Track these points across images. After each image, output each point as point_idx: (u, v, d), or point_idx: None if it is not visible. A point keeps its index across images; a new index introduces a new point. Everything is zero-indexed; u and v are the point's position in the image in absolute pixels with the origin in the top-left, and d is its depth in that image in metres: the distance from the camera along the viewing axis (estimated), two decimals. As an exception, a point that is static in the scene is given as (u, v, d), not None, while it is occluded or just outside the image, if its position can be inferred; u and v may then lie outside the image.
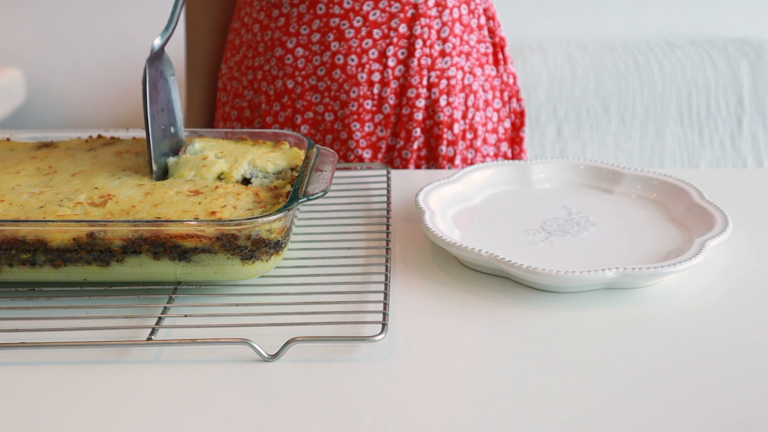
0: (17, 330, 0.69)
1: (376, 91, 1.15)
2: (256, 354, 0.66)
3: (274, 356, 0.66)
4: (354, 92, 1.15)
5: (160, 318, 0.70)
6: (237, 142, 0.90)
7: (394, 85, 1.15)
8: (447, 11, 1.16)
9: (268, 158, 0.85)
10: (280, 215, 0.72)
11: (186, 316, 0.71)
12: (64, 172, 0.83)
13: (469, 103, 1.20)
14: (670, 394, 0.61)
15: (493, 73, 1.23)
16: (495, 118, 1.24)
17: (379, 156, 1.17)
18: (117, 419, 0.60)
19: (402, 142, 1.17)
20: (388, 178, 0.97)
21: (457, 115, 1.18)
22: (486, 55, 1.22)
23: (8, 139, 0.93)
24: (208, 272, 0.73)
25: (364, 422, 0.59)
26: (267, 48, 1.18)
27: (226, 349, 0.67)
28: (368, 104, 1.15)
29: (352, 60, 1.13)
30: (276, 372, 0.65)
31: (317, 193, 0.76)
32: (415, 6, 1.14)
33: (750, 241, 0.84)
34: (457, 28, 1.17)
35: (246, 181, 0.83)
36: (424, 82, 1.16)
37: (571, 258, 0.80)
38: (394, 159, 1.19)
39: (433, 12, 1.15)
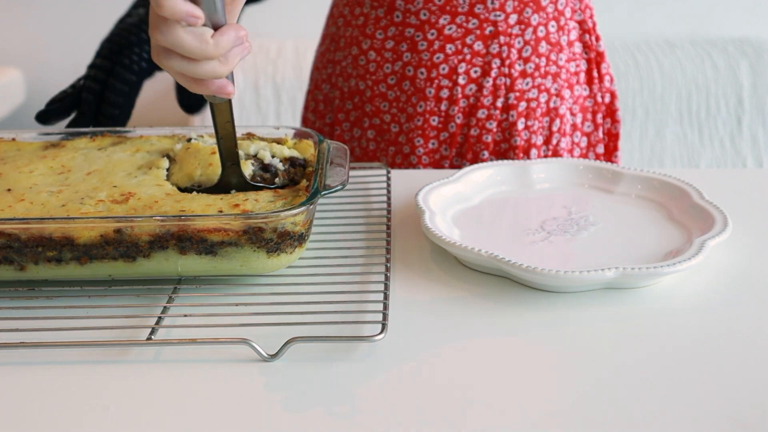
0: (17, 330, 0.69)
1: (443, 108, 1.09)
2: (256, 354, 0.66)
3: (274, 356, 0.66)
4: (421, 107, 1.10)
5: (159, 318, 0.70)
6: (244, 139, 0.90)
7: (462, 103, 1.09)
8: (530, 30, 1.08)
9: (279, 146, 0.86)
10: (303, 208, 0.73)
11: (186, 315, 0.71)
12: (78, 171, 0.84)
13: (554, 128, 1.11)
14: (670, 394, 0.62)
15: (585, 93, 1.13)
16: (584, 143, 1.14)
17: None
18: (117, 419, 0.60)
19: (468, 164, 1.11)
20: (388, 178, 0.97)
21: (536, 140, 1.10)
22: (576, 74, 1.12)
23: (14, 139, 0.93)
24: (233, 266, 0.74)
25: (364, 422, 0.59)
26: (347, 44, 1.15)
27: (226, 349, 0.67)
28: (434, 120, 1.10)
29: (422, 73, 1.09)
30: (276, 372, 0.65)
31: (337, 185, 0.77)
32: (495, 23, 1.07)
33: (750, 240, 0.84)
34: (543, 48, 1.09)
35: (262, 165, 0.84)
36: (498, 104, 1.09)
37: (571, 258, 0.80)
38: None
39: (515, 30, 1.07)
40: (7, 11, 2.63)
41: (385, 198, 0.94)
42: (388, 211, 0.89)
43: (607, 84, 1.14)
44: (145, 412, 0.61)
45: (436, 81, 1.08)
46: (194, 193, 0.80)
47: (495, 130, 1.10)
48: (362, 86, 1.13)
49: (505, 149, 1.11)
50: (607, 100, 1.14)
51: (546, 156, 1.11)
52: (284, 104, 2.43)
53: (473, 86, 1.09)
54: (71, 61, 2.57)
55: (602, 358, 0.66)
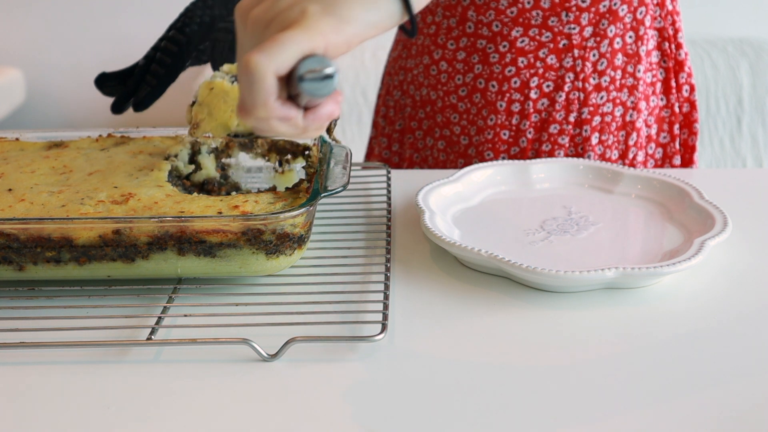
0: (17, 330, 0.69)
1: (514, 122, 1.07)
2: (256, 354, 0.66)
3: (274, 356, 0.66)
4: (491, 120, 1.07)
5: (159, 318, 0.70)
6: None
7: (534, 118, 1.06)
8: (606, 42, 1.04)
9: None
10: (303, 210, 0.73)
11: (186, 315, 0.71)
12: (80, 171, 0.84)
13: (630, 142, 1.08)
14: (670, 394, 0.62)
15: (662, 103, 1.10)
16: (659, 155, 1.11)
17: None
18: (117, 419, 0.60)
19: None
20: (388, 178, 0.97)
21: (611, 154, 1.08)
22: (652, 84, 1.09)
23: (17, 139, 0.93)
24: (232, 267, 0.74)
25: (365, 422, 0.59)
26: (418, 52, 1.13)
27: (226, 349, 0.67)
28: (504, 135, 1.07)
29: (493, 86, 1.06)
30: (276, 372, 0.65)
31: (337, 187, 0.77)
32: (569, 36, 1.04)
33: (749, 240, 0.84)
34: (619, 60, 1.06)
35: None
36: (571, 119, 1.06)
37: (571, 258, 0.80)
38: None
39: (590, 43, 1.04)
40: (7, 11, 2.63)
41: (385, 198, 0.94)
42: (388, 211, 0.89)
43: (685, 93, 1.10)
44: (145, 412, 0.61)
45: (508, 94, 1.06)
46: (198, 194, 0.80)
47: (567, 145, 1.07)
48: (433, 96, 1.12)
49: None
50: (685, 110, 1.11)
51: None
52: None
53: (545, 101, 1.06)
54: (71, 61, 2.57)
55: (602, 358, 0.66)
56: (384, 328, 0.67)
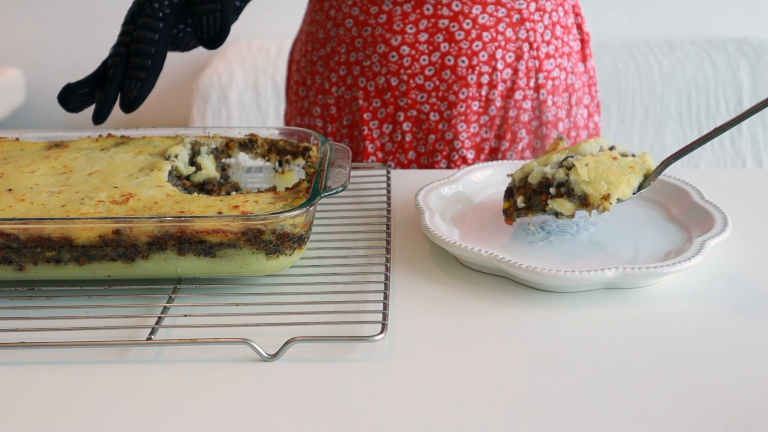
0: (17, 330, 0.69)
1: (483, 93, 1.14)
2: (256, 354, 0.66)
3: (274, 356, 0.66)
4: (463, 93, 1.14)
5: (159, 318, 0.70)
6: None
7: (501, 87, 1.15)
8: (547, 15, 1.17)
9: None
10: (303, 210, 0.73)
11: (186, 315, 0.71)
12: (80, 171, 0.84)
13: (573, 102, 1.21)
14: (670, 394, 0.62)
15: (582, 69, 1.23)
16: (585, 114, 1.25)
17: (482, 157, 1.17)
18: (117, 419, 0.60)
19: (507, 144, 1.17)
20: (388, 178, 0.97)
21: (561, 114, 1.20)
22: (578, 52, 1.23)
23: (17, 139, 0.93)
24: (232, 267, 0.74)
25: (364, 422, 0.59)
26: (367, 44, 1.16)
27: (226, 349, 0.68)
28: (475, 105, 1.15)
29: (463, 62, 1.14)
30: (276, 372, 0.65)
31: (337, 187, 0.77)
32: (519, 11, 1.15)
33: (749, 240, 0.84)
34: (558, 30, 1.18)
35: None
36: (532, 84, 1.17)
37: (571, 258, 0.80)
38: (497, 160, 1.18)
39: (536, 16, 1.16)
40: (7, 11, 2.63)
41: (385, 198, 0.94)
42: (388, 211, 0.89)
43: (591, 60, 1.25)
44: (145, 412, 0.61)
45: (477, 68, 1.14)
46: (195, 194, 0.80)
47: (530, 108, 1.17)
48: (395, 82, 1.15)
49: (537, 126, 1.18)
50: (592, 73, 1.26)
51: (568, 128, 1.20)
52: (284, 104, 2.43)
53: (509, 70, 1.15)
54: (71, 61, 2.57)
55: (602, 358, 0.66)
56: (384, 328, 0.67)
